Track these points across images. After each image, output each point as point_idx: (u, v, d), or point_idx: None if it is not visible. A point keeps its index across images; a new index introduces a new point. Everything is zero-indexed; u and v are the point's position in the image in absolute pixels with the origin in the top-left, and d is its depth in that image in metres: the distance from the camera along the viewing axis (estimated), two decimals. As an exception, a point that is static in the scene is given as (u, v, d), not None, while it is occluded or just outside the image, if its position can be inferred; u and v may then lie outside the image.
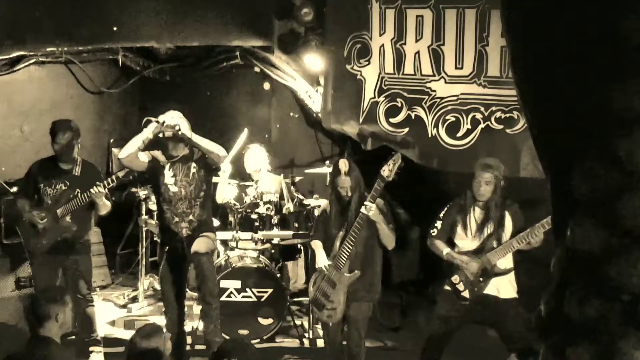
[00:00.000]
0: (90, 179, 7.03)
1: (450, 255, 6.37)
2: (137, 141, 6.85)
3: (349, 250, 6.38)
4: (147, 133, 6.83)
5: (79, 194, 6.94)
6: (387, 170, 6.20)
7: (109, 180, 6.90)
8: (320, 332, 7.53)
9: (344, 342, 6.84)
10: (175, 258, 7.08)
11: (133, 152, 6.83)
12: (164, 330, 5.34)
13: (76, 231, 7.08)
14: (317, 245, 6.77)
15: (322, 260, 6.63)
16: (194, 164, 6.97)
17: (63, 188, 7.01)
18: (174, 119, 6.78)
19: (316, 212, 7.65)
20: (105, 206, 7.05)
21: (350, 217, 6.43)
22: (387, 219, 6.53)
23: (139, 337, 4.97)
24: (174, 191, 6.96)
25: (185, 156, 6.96)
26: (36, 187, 7.07)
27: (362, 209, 6.27)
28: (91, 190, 6.85)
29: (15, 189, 7.90)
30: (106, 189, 6.91)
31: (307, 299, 7.21)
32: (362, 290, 6.55)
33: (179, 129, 6.74)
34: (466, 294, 6.34)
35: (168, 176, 6.97)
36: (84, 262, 7.17)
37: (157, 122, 6.77)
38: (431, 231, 6.49)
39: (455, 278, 6.37)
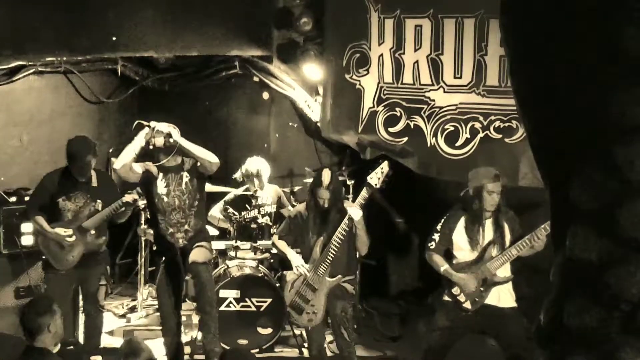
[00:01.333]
0: (108, 188, 7.04)
1: (447, 272, 6.38)
2: (131, 149, 6.84)
3: (332, 256, 6.50)
4: (140, 140, 6.82)
5: (102, 205, 6.93)
6: (375, 178, 6.30)
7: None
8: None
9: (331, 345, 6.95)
10: (172, 268, 7.07)
11: (128, 162, 6.83)
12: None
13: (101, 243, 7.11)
14: (283, 245, 6.89)
15: (297, 260, 6.76)
16: (186, 174, 6.97)
17: (83, 201, 6.98)
18: (165, 127, 6.79)
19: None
20: (126, 215, 7.11)
21: (330, 226, 6.50)
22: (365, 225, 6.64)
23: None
24: (167, 201, 6.96)
25: (177, 166, 6.97)
26: (53, 202, 6.99)
27: (350, 214, 6.36)
28: (126, 199, 6.86)
29: (12, 198, 7.89)
30: (140, 196, 6.96)
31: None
32: (347, 288, 6.71)
33: (170, 136, 6.75)
34: (467, 304, 6.34)
35: (161, 187, 6.96)
36: (103, 271, 7.20)
37: (148, 126, 6.77)
38: (429, 244, 6.50)
39: (455, 289, 6.37)
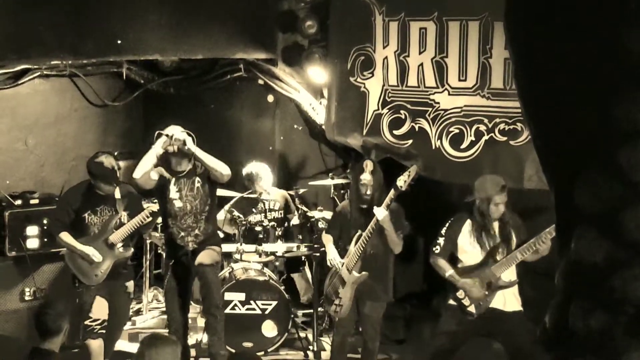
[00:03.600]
0: (132, 199, 7.00)
1: (452, 277, 6.39)
2: (150, 158, 6.85)
3: (360, 252, 6.60)
4: (158, 148, 6.82)
5: (128, 217, 6.91)
6: (402, 181, 6.36)
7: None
8: (325, 345, 7.64)
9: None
10: (181, 271, 7.09)
11: (147, 170, 6.84)
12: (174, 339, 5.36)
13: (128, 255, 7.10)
14: (327, 239, 7.03)
15: (331, 253, 6.90)
16: (198, 179, 6.98)
17: (109, 214, 6.95)
18: (182, 134, 6.80)
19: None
20: (151, 226, 7.10)
21: (370, 218, 6.61)
22: (398, 224, 6.69)
23: (146, 346, 4.98)
24: (179, 206, 6.98)
25: (190, 171, 6.97)
26: (79, 217, 6.92)
27: (375, 214, 6.45)
28: (151, 208, 6.88)
29: (17, 201, 7.89)
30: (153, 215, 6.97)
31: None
32: (379, 291, 6.78)
33: (185, 144, 6.76)
34: (472, 308, 6.34)
35: (173, 191, 6.98)
36: (130, 286, 7.20)
37: (167, 135, 6.78)
38: (434, 248, 6.52)
39: (460, 293, 6.38)
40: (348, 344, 7.20)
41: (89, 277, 6.90)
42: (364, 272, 6.66)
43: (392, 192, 6.45)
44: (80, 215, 6.92)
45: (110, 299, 6.99)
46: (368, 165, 6.72)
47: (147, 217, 6.90)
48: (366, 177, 6.66)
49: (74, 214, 6.93)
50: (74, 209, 6.93)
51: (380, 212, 6.46)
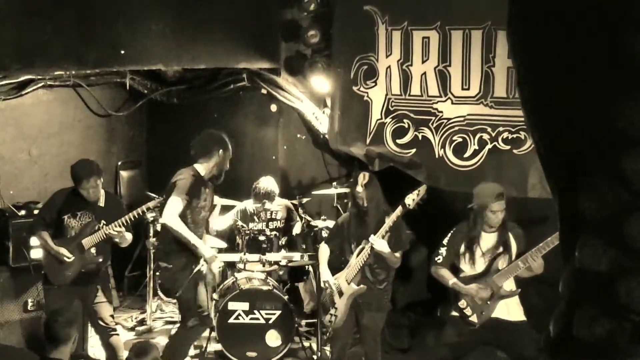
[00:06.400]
0: (114, 210, 7.05)
1: (456, 285, 6.38)
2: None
3: (361, 266, 6.62)
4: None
5: (104, 227, 6.95)
6: (411, 199, 6.38)
7: (129, 217, 6.93)
8: (328, 354, 7.62)
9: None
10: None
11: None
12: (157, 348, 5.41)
13: (100, 262, 7.11)
14: (323, 256, 7.03)
15: (325, 275, 6.92)
16: (210, 184, 7.15)
17: (88, 220, 7.00)
18: None
19: (332, 223, 7.92)
20: (126, 240, 7.11)
21: (369, 229, 6.62)
22: (398, 244, 6.70)
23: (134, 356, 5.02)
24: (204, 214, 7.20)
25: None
26: (59, 219, 7.02)
27: (370, 240, 6.49)
28: (111, 231, 6.87)
29: (21, 212, 7.90)
30: (124, 227, 6.94)
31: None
32: (378, 302, 6.77)
33: None
34: (474, 318, 6.32)
35: (202, 198, 7.14)
36: (105, 290, 7.20)
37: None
38: (436, 258, 6.52)
39: (462, 303, 6.37)
40: (346, 355, 7.19)
41: (56, 277, 7.00)
42: (362, 286, 6.66)
43: (398, 210, 6.45)
44: (60, 217, 7.02)
45: (83, 303, 7.10)
46: (361, 178, 6.71)
47: (118, 230, 6.89)
48: (359, 190, 6.67)
49: (56, 215, 7.03)
50: (57, 209, 7.05)
51: (378, 244, 6.48)
